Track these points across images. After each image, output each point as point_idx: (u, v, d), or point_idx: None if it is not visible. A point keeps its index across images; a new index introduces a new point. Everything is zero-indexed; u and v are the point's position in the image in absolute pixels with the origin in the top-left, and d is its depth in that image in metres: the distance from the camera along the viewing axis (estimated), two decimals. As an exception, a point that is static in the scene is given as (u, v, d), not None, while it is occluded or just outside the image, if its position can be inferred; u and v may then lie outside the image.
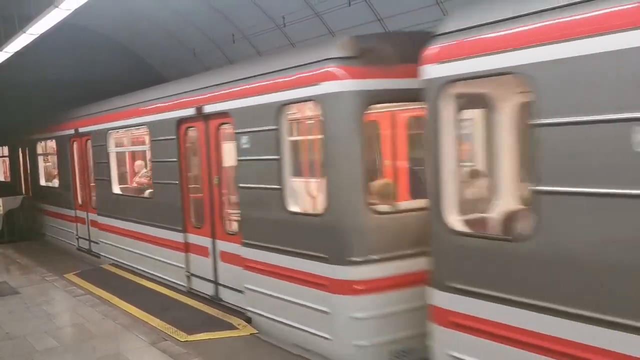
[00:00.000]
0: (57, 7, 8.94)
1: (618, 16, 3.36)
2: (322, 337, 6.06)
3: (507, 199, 5.16)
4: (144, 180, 11.70)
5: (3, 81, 16.67)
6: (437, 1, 12.07)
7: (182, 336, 7.00)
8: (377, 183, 6.57)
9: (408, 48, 5.29)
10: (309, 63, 6.20)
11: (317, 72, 6.00)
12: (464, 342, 4.50)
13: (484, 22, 4.25)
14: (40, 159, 16.60)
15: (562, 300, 3.74)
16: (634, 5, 3.26)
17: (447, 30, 4.52)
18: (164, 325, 7.44)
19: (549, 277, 3.83)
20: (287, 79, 6.47)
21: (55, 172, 15.61)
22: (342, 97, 5.79)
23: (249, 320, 7.36)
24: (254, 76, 7.09)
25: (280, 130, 6.56)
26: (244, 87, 7.19)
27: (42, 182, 16.26)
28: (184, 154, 8.86)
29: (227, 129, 7.73)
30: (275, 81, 6.63)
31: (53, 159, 15.95)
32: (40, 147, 16.22)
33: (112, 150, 11.56)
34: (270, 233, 6.86)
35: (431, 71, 4.60)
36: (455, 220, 4.57)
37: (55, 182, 15.45)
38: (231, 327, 7.25)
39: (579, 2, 3.61)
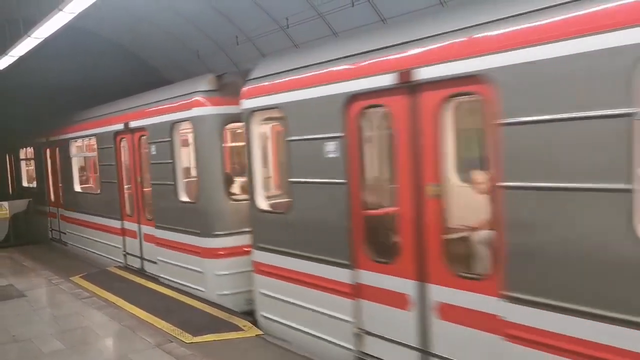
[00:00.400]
0: (61, 10, 8.97)
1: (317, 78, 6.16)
2: (198, 289, 8.79)
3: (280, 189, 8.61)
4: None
5: (7, 85, 16.73)
6: (440, 1, 12.06)
7: (188, 338, 6.99)
8: (240, 179, 9.02)
9: None
10: (186, 94, 8.77)
11: (191, 100, 8.59)
12: (268, 283, 7.05)
13: (262, 74, 7.01)
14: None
15: (305, 249, 6.40)
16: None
17: (250, 78, 7.18)
18: (169, 327, 7.44)
19: (301, 235, 6.48)
20: (174, 104, 9.04)
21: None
22: (206, 119, 8.37)
23: (254, 322, 7.36)
24: (158, 101, 9.68)
25: (173, 141, 9.13)
26: (152, 108, 9.81)
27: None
28: (120, 159, 11.38)
29: (145, 140, 10.21)
30: (168, 106, 9.21)
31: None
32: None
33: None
34: (170, 217, 9.49)
35: (244, 103, 7.22)
36: (261, 204, 7.23)
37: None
38: (236, 328, 7.24)
39: (311, 65, 6.22)
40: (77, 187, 13.99)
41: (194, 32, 17.48)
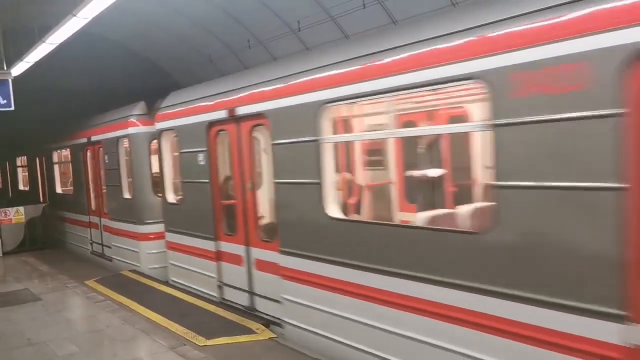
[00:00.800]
0: (75, 15, 9.04)
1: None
2: (136, 265, 11.62)
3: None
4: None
5: (22, 90, 16.91)
6: (452, 2, 11.99)
7: (201, 341, 6.99)
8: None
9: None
10: (125, 116, 11.61)
11: (127, 121, 11.45)
12: (173, 256, 9.94)
13: (167, 104, 9.81)
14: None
15: (190, 228, 9.24)
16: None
17: (161, 106, 10.02)
18: (183, 330, 7.44)
19: (188, 219, 9.28)
20: (118, 124, 11.86)
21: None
22: (138, 135, 11.25)
23: (267, 325, 7.35)
24: (108, 120, 12.50)
25: (117, 152, 11.91)
26: (105, 126, 12.59)
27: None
28: (90, 165, 13.95)
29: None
30: (114, 124, 12.08)
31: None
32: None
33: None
34: (118, 210, 12.29)
35: (157, 125, 10.11)
36: (169, 198, 10.01)
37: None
38: (250, 331, 7.23)
39: (189, 100, 9.20)
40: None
41: (205, 36, 17.54)
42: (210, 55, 18.36)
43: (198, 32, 17.48)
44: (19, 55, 13.03)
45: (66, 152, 15.57)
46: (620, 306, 3.56)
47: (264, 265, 7.59)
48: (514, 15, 4.14)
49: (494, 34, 4.25)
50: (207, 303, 8.62)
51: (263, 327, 7.31)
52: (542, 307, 3.98)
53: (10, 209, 15.92)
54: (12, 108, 13.42)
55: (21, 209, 16.10)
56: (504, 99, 4.14)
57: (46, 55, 12.49)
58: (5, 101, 13.29)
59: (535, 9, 4.00)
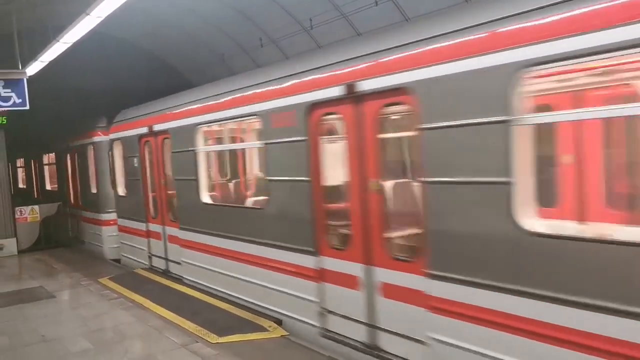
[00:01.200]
0: (88, 14, 9.10)
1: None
2: (99, 245, 14.51)
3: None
4: None
5: (37, 90, 17.07)
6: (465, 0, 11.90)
7: (214, 338, 6.99)
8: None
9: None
10: (92, 128, 14.31)
11: (93, 131, 14.26)
12: (123, 237, 12.80)
13: (118, 119, 12.56)
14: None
15: (132, 215, 12.13)
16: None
17: (114, 120, 12.73)
18: (195, 328, 7.44)
19: (132, 207, 12.12)
20: (88, 133, 14.54)
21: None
22: (101, 143, 14.06)
23: (279, 323, 7.33)
24: (83, 130, 14.96)
25: (86, 156, 14.79)
26: (79, 135, 15.24)
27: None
28: (70, 167, 16.73)
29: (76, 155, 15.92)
30: (87, 133, 14.62)
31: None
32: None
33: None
34: (88, 203, 15.11)
35: (110, 135, 12.82)
36: (119, 191, 12.72)
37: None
38: (262, 329, 7.21)
39: (129, 117, 12.08)
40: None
41: (218, 35, 17.59)
42: (223, 55, 18.40)
43: (210, 31, 17.54)
44: (33, 55, 13.15)
45: (52, 156, 19.44)
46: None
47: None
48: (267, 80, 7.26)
49: (264, 89, 7.28)
50: (219, 301, 8.62)
51: (275, 325, 7.28)
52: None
53: (25, 207, 16.07)
54: (27, 107, 13.55)
55: (36, 207, 16.26)
56: (269, 128, 7.08)
57: (60, 55, 12.60)
58: (20, 100, 13.41)
59: (273, 78, 7.13)
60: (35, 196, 22.84)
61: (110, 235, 14.02)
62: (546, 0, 4.07)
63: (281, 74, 7.10)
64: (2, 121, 14.51)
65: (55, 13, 14.18)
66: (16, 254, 15.16)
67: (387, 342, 5.77)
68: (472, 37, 4.56)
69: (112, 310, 8.63)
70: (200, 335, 7.12)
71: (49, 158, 20.48)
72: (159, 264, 11.27)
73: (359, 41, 6.60)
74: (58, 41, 11.31)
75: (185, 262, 9.97)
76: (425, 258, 5.11)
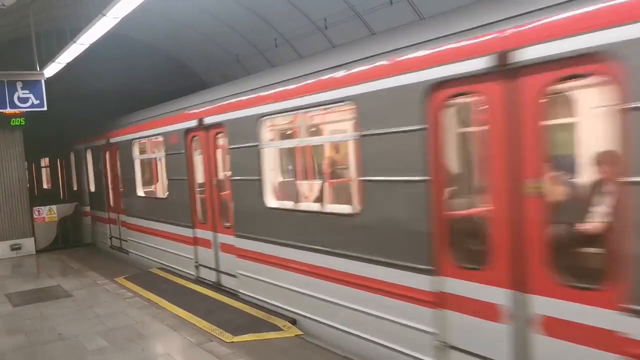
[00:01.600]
0: (104, 15, 9.16)
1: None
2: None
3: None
4: None
5: (56, 91, 17.31)
6: (481, -3, 11.78)
7: (228, 337, 7.00)
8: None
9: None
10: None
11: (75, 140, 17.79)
12: (95, 225, 16.92)
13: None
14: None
15: (99, 207, 16.38)
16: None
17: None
18: (210, 327, 7.46)
19: (98, 200, 16.19)
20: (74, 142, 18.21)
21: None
22: (79, 149, 17.51)
23: (293, 322, 7.31)
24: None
25: (70, 160, 19.14)
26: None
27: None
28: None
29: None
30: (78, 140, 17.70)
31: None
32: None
33: None
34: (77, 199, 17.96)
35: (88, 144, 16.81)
36: (91, 189, 16.82)
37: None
38: (276, 328, 7.20)
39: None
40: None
41: (232, 36, 17.63)
42: (237, 55, 18.45)
43: (225, 31, 17.59)
44: (51, 57, 13.31)
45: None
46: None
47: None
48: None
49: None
50: (233, 300, 8.63)
51: (290, 325, 7.27)
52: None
53: (43, 207, 16.27)
54: (45, 108, 13.72)
55: (54, 207, 16.45)
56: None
57: (78, 57, 12.72)
58: (38, 101, 13.60)
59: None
60: (62, 197, 21.89)
61: (88, 224, 17.07)
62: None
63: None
64: (21, 122, 14.45)
65: (73, 15, 14.31)
66: (34, 253, 15.34)
67: None
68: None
69: (128, 309, 8.69)
70: (214, 334, 7.14)
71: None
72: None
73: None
74: (75, 42, 11.41)
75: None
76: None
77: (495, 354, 4.67)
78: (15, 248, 15.11)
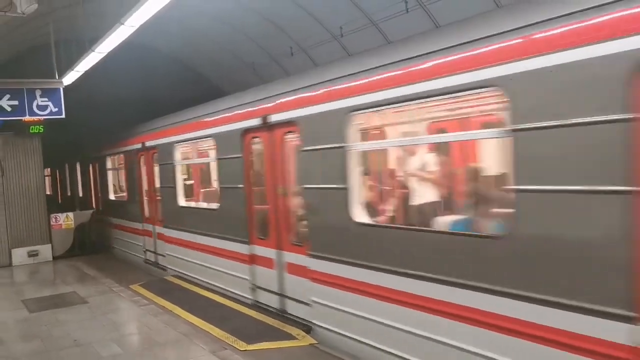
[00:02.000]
0: (122, 24, 9.26)
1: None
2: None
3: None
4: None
5: (74, 100, 17.56)
6: (496, 4, 11.73)
7: (242, 345, 6.96)
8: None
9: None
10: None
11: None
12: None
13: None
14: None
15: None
16: None
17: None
18: (224, 335, 7.43)
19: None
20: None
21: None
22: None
23: (308, 331, 7.25)
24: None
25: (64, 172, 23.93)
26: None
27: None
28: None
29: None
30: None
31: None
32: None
33: None
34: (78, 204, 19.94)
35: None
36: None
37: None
38: (290, 337, 7.15)
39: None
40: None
41: (248, 44, 17.76)
42: (253, 64, 18.56)
43: (241, 40, 17.71)
44: (70, 65, 13.48)
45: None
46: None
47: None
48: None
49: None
50: (247, 308, 8.60)
51: (304, 333, 7.22)
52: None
53: (60, 214, 16.42)
54: (63, 116, 13.88)
55: (70, 214, 16.59)
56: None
57: (95, 65, 12.87)
58: (57, 109, 13.76)
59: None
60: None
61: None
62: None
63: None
64: (39, 129, 14.51)
65: (92, 25, 14.52)
66: (51, 260, 15.47)
67: None
68: None
69: (143, 316, 8.70)
70: (229, 342, 7.11)
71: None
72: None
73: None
74: (93, 51, 11.55)
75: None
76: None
77: (272, 287, 8.23)
78: (32, 254, 15.26)
